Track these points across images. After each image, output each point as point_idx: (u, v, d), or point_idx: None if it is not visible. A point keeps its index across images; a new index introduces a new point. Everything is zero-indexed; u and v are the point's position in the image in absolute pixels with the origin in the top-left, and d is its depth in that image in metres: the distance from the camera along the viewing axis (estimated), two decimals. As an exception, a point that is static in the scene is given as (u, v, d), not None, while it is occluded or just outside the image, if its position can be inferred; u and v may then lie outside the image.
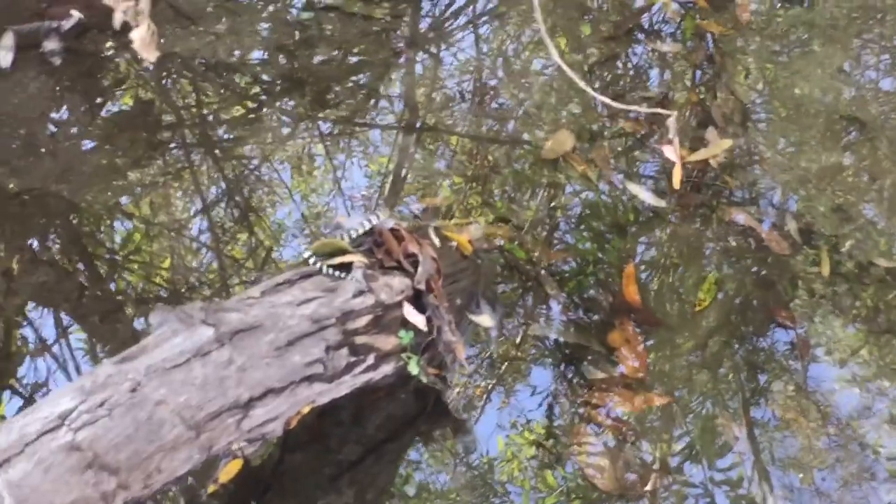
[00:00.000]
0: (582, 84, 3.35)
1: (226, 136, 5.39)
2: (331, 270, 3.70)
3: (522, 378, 4.38)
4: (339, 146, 5.43)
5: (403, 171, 5.27)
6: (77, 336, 4.57)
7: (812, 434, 4.22)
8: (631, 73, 5.66)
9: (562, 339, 4.40)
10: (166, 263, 4.91)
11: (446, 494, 4.15)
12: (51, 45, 5.22)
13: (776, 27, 5.71)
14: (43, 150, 4.92)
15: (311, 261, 3.72)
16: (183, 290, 4.77)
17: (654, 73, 5.66)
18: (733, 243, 4.72)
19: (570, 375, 4.33)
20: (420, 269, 3.80)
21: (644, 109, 3.65)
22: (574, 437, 4.12)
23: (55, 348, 4.51)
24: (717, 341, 4.45)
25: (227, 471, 3.63)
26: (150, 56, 2.47)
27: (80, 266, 4.78)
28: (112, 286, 4.71)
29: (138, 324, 4.57)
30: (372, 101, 5.55)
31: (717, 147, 4.75)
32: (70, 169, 4.82)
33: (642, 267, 4.68)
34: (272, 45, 5.60)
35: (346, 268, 3.72)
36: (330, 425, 4.00)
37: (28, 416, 3.12)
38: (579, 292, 4.51)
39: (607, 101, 3.57)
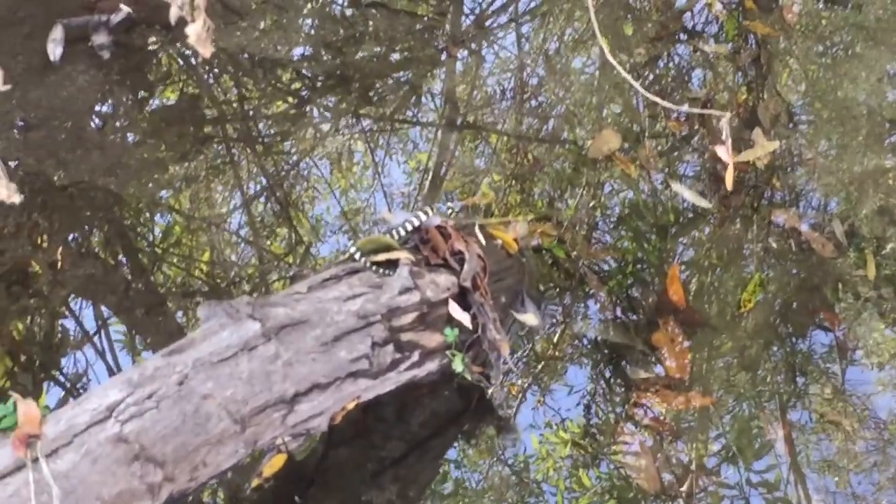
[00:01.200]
0: (635, 84, 3.33)
1: (267, 132, 5.38)
2: (377, 267, 3.68)
3: (558, 377, 4.35)
4: (378, 142, 5.41)
5: (443, 169, 5.25)
6: (116, 328, 4.60)
7: (849, 437, 4.18)
8: (674, 73, 5.62)
9: (601, 339, 4.35)
10: (206, 257, 4.93)
11: (482, 493, 4.14)
12: (100, 38, 5.24)
13: (822, 29, 5.66)
14: (91, 143, 4.92)
15: (357, 257, 3.71)
16: (222, 284, 4.78)
17: (698, 73, 5.61)
18: (776, 245, 4.67)
19: (609, 375, 4.30)
20: (466, 266, 3.80)
21: (698, 111, 3.62)
22: (614, 435, 4.08)
23: (95, 340, 4.53)
24: (758, 343, 4.40)
25: (271, 465, 3.63)
26: (205, 51, 2.47)
27: (124, 259, 4.79)
28: (152, 279, 4.71)
29: (181, 317, 4.58)
30: (413, 98, 5.52)
31: (762, 148, 4.69)
32: (117, 163, 4.84)
33: (683, 267, 4.63)
34: (318, 41, 5.59)
35: (393, 264, 3.71)
36: (373, 421, 4.00)
37: (76, 407, 3.13)
38: (621, 292, 4.48)
39: (659, 100, 3.53)
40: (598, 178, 4.98)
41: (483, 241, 4.02)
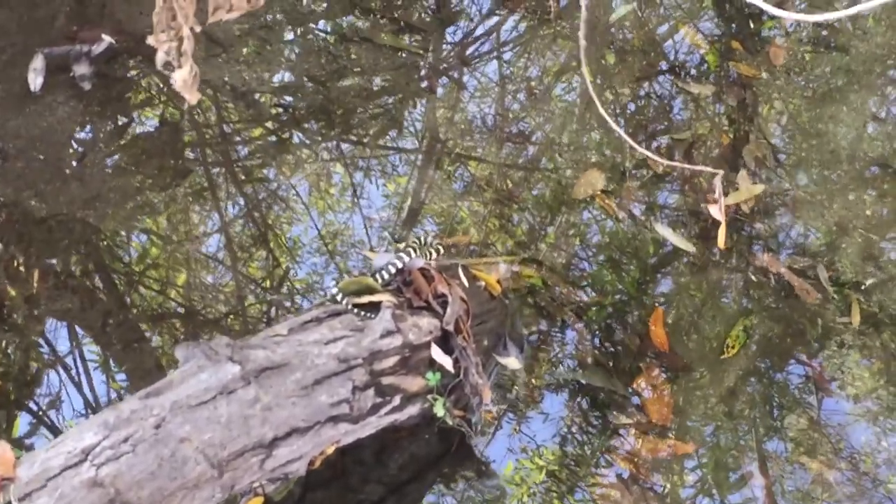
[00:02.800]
0: (619, 130, 3.31)
1: (246, 157, 5.36)
2: (358, 310, 3.65)
3: (535, 405, 4.31)
4: (358, 165, 5.40)
5: (422, 194, 5.23)
6: (90, 348, 4.55)
7: (824, 468, 4.17)
8: (657, 109, 5.61)
9: (584, 382, 4.32)
10: (181, 280, 4.87)
11: None
12: (81, 69, 5.21)
13: (808, 72, 5.65)
14: (70, 175, 4.89)
15: (339, 298, 3.67)
16: (199, 307, 4.74)
17: (680, 108, 5.60)
18: (759, 289, 4.65)
19: (589, 414, 4.27)
20: (449, 309, 3.78)
21: (691, 167, 3.60)
22: (590, 466, 4.05)
23: (69, 359, 4.51)
24: (741, 389, 4.39)
25: (248, 508, 3.58)
26: (192, 98, 2.43)
27: (101, 287, 4.74)
28: (130, 315, 4.67)
29: (156, 344, 4.54)
30: (394, 127, 5.50)
31: (748, 192, 4.71)
32: (97, 195, 4.80)
33: (665, 306, 4.60)
34: (301, 72, 5.57)
35: (375, 307, 3.68)
36: (351, 463, 3.96)
37: (51, 449, 3.10)
38: (604, 334, 4.45)
39: (650, 154, 3.53)
40: (577, 214, 4.95)
41: (466, 283, 3.99)
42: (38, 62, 5.09)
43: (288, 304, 4.83)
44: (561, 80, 5.87)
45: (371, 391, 3.57)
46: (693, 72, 5.74)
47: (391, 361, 3.64)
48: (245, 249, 5.07)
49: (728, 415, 4.34)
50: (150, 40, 2.32)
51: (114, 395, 4.47)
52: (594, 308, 4.60)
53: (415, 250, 3.94)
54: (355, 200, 5.27)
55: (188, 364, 3.38)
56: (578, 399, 4.38)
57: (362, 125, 5.50)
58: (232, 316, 4.77)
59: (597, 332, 4.52)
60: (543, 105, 5.68)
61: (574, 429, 4.30)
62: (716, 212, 3.59)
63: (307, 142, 5.41)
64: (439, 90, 5.74)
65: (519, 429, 4.30)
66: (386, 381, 3.63)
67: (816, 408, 4.42)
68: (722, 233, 3.69)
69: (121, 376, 4.56)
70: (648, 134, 5.41)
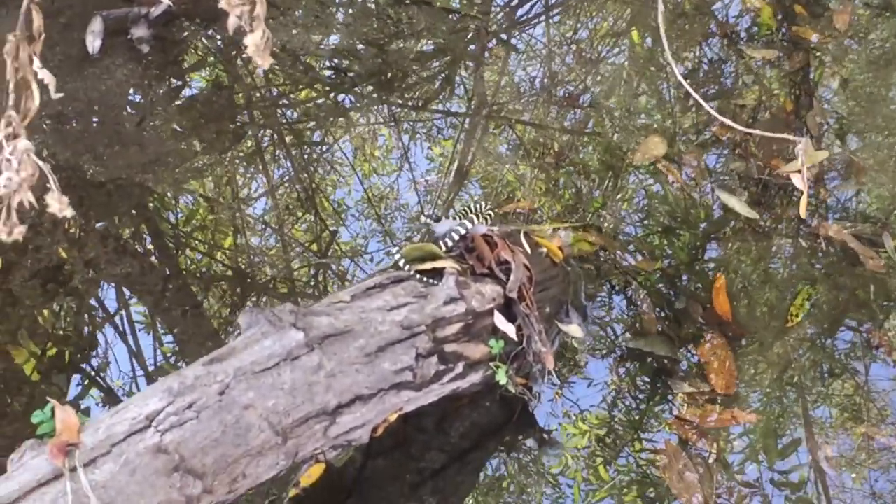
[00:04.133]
0: (698, 97, 3.24)
1: (296, 119, 5.32)
2: (421, 276, 3.62)
3: (578, 370, 4.27)
4: (408, 129, 5.38)
5: (469, 157, 5.21)
6: (136, 309, 4.57)
7: (868, 434, 4.11)
8: (716, 75, 5.54)
9: (646, 349, 4.28)
10: (228, 243, 4.86)
11: (498, 481, 4.08)
12: (139, 31, 5.20)
13: (874, 36, 5.56)
14: (128, 138, 4.87)
15: (402, 265, 3.64)
16: (247, 270, 4.73)
17: (742, 74, 5.53)
18: (823, 258, 4.58)
19: (640, 383, 4.23)
20: (512, 277, 3.74)
21: (772, 135, 3.52)
22: (665, 452, 4.01)
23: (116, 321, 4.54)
24: (806, 354, 4.33)
25: (309, 475, 3.58)
26: (264, 62, 2.39)
27: (156, 251, 4.74)
28: (188, 281, 4.67)
29: (210, 309, 4.54)
30: (444, 89, 5.48)
31: (810, 158, 4.61)
32: (156, 159, 4.78)
33: (728, 276, 4.54)
34: (355, 35, 5.53)
35: (438, 273, 3.65)
36: (413, 431, 3.94)
37: (115, 415, 3.07)
38: (669, 303, 4.40)
39: (726, 121, 3.45)
40: (637, 179, 4.90)
41: (528, 250, 3.95)
42: (96, 25, 5.09)
43: (335, 266, 4.79)
44: (614, 44, 5.79)
45: (434, 358, 3.54)
46: (752, 36, 5.64)
47: (454, 328, 3.60)
48: (292, 212, 5.02)
49: (779, 381, 4.27)
50: (222, 3, 2.28)
51: (161, 359, 4.47)
52: (656, 275, 4.53)
53: (468, 217, 3.90)
54: (404, 164, 5.24)
55: (251, 330, 3.35)
56: (627, 365, 4.31)
57: (413, 88, 5.46)
58: (280, 279, 4.73)
59: (659, 300, 4.45)
60: (598, 68, 5.61)
61: (622, 394, 4.24)
62: (798, 180, 3.52)
63: (358, 105, 5.36)
64: (489, 54, 5.68)
65: (562, 393, 4.24)
66: (449, 348, 3.60)
67: (864, 374, 4.33)
68: (804, 203, 3.63)
69: (168, 339, 4.56)
70: (708, 99, 5.34)
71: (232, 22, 2.33)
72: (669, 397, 4.22)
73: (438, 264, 3.68)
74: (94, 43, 5.03)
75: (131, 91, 5.18)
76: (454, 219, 3.89)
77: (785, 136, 3.39)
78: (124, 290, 4.55)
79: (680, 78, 3.23)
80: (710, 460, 4.01)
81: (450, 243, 3.76)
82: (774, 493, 4.02)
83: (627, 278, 4.49)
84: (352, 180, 5.18)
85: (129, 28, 5.22)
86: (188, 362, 3.44)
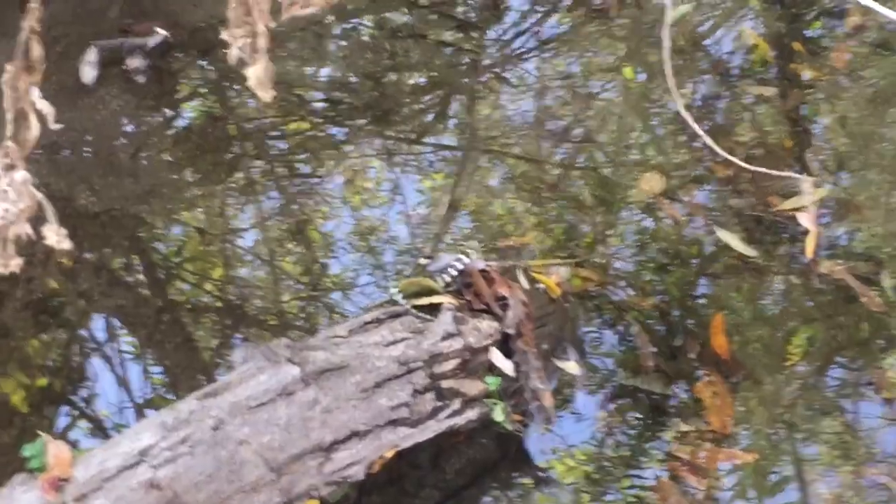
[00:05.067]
0: (707, 139, 3.23)
1: (289, 150, 5.31)
2: (418, 311, 3.60)
3: (565, 404, 4.24)
4: (395, 162, 5.36)
5: (458, 193, 5.20)
6: (124, 339, 4.54)
7: (856, 473, 4.09)
8: (712, 112, 5.53)
9: (643, 387, 4.25)
10: (217, 274, 4.83)
11: None
12: (135, 62, 5.18)
13: (873, 74, 5.56)
14: (123, 169, 4.86)
15: (399, 299, 3.62)
16: (235, 302, 4.72)
17: (740, 111, 5.52)
18: (822, 297, 4.57)
19: (649, 424, 4.21)
20: (510, 313, 3.72)
21: (781, 174, 3.52)
22: (660, 492, 3.98)
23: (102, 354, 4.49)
24: (803, 393, 4.31)
25: (303, 512, 3.52)
26: (265, 95, 2.38)
27: (148, 283, 4.72)
28: (181, 314, 4.64)
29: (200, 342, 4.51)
30: (438, 123, 5.47)
31: (810, 196, 4.60)
32: (151, 190, 4.76)
33: (724, 313, 4.52)
34: (350, 68, 5.52)
35: (435, 309, 3.63)
36: (407, 467, 3.88)
37: (108, 450, 3.07)
38: (666, 340, 4.38)
39: (731, 158, 3.45)
40: (633, 216, 4.89)
41: (526, 286, 3.93)
42: (91, 55, 5.08)
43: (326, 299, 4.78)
44: (608, 79, 5.79)
45: (431, 395, 3.52)
46: (746, 73, 5.65)
47: (451, 364, 3.57)
48: (282, 244, 5.00)
49: (770, 420, 4.24)
50: (224, 35, 2.27)
51: (150, 392, 4.41)
52: (652, 312, 4.51)
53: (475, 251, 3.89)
54: (395, 196, 5.22)
55: (247, 365, 3.34)
56: (619, 401, 4.28)
57: (408, 121, 5.45)
58: (270, 312, 4.71)
59: (655, 338, 4.43)
60: (590, 104, 5.60)
61: (612, 431, 4.21)
62: (805, 220, 3.51)
63: (351, 137, 5.35)
64: (482, 88, 5.68)
65: (550, 428, 4.20)
66: (446, 384, 3.57)
67: (853, 412, 4.31)
68: (811, 241, 3.62)
69: (158, 371, 4.52)
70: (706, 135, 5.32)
71: (233, 54, 2.32)
72: (660, 435, 4.17)
73: (435, 300, 3.67)
74: (89, 73, 5.02)
75: (126, 122, 5.15)
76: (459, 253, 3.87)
77: (790, 174, 3.39)
78: (115, 321, 4.50)
79: (683, 111, 3.22)
80: (701, 497, 3.95)
81: (447, 278, 3.74)
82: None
83: (624, 314, 4.46)
84: (342, 213, 5.13)
85: (125, 58, 5.20)
86: (179, 395, 3.41)
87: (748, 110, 5.46)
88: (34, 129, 2.39)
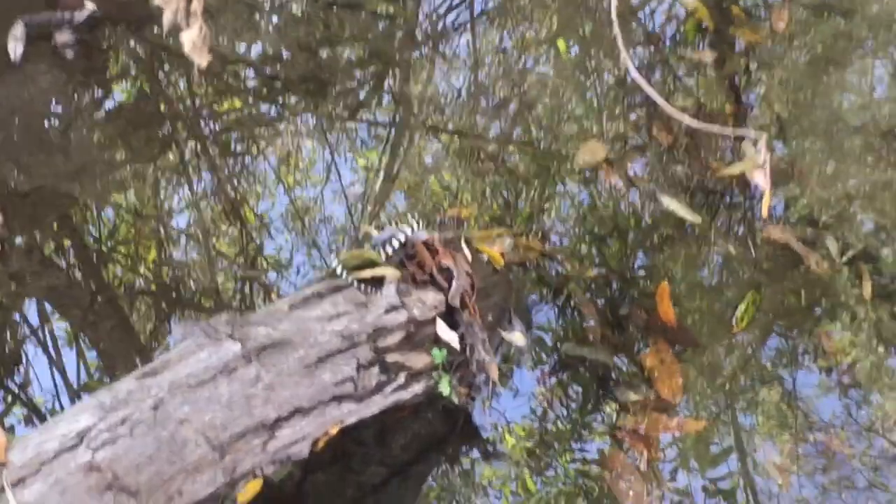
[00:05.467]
0: (660, 101, 3.17)
1: (222, 129, 5.24)
2: (361, 284, 3.52)
3: (504, 380, 4.19)
4: (327, 140, 5.31)
5: (395, 168, 5.18)
6: (58, 325, 4.44)
7: (794, 440, 4.13)
8: (652, 81, 5.49)
9: (590, 358, 4.20)
10: (151, 256, 4.76)
11: (427, 494, 4.00)
12: (63, 37, 5.07)
13: (812, 37, 5.54)
14: (53, 147, 4.75)
15: (340, 272, 3.54)
16: (171, 285, 4.68)
17: (681, 77, 5.49)
18: (768, 261, 4.54)
19: (591, 396, 4.16)
20: (454, 284, 3.67)
21: (732, 130, 3.47)
22: (610, 462, 3.94)
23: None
24: (749, 360, 4.29)
25: (246, 491, 3.43)
26: (202, 60, 2.30)
27: (80, 264, 4.62)
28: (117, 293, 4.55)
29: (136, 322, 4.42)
30: (373, 98, 5.45)
31: (753, 160, 4.57)
32: (82, 168, 4.65)
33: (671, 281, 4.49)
34: (284, 42, 5.43)
35: (378, 281, 3.56)
36: (352, 444, 3.83)
37: (45, 432, 2.98)
38: (612, 309, 4.33)
39: (686, 118, 3.39)
40: (574, 185, 4.84)
41: (469, 257, 3.87)
42: (17, 30, 4.95)
43: (262, 279, 4.71)
44: (542, 52, 5.74)
45: (376, 369, 3.47)
46: (684, 40, 5.62)
47: (396, 338, 3.53)
48: (217, 225, 4.92)
49: (712, 388, 4.22)
50: (158, 0, 2.18)
51: (85, 377, 4.34)
52: (598, 282, 4.47)
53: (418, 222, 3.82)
54: (330, 175, 5.16)
55: (186, 342, 3.26)
56: (560, 374, 4.24)
57: (343, 96, 5.38)
58: (205, 293, 4.63)
59: (601, 307, 4.39)
60: (526, 77, 5.55)
61: (553, 404, 4.17)
62: (760, 178, 3.46)
63: (285, 114, 5.27)
64: (416, 62, 5.62)
65: (490, 403, 4.15)
66: (390, 358, 3.52)
67: (791, 380, 4.32)
68: (766, 201, 3.58)
69: (92, 355, 4.42)
70: (642, 103, 5.29)
71: (167, 19, 2.24)
72: (605, 406, 4.14)
73: (378, 272, 3.60)
74: (16, 49, 4.89)
75: (55, 98, 5.03)
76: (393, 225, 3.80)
77: (746, 130, 3.34)
78: (48, 304, 4.40)
79: (634, 72, 3.16)
80: (645, 468, 3.92)
81: (389, 250, 3.67)
82: (706, 502, 3.98)
83: (567, 285, 4.41)
84: (276, 192, 5.06)
85: (53, 33, 5.08)
86: (114, 378, 3.31)
87: (688, 77, 5.42)
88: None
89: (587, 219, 4.79)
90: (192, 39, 2.22)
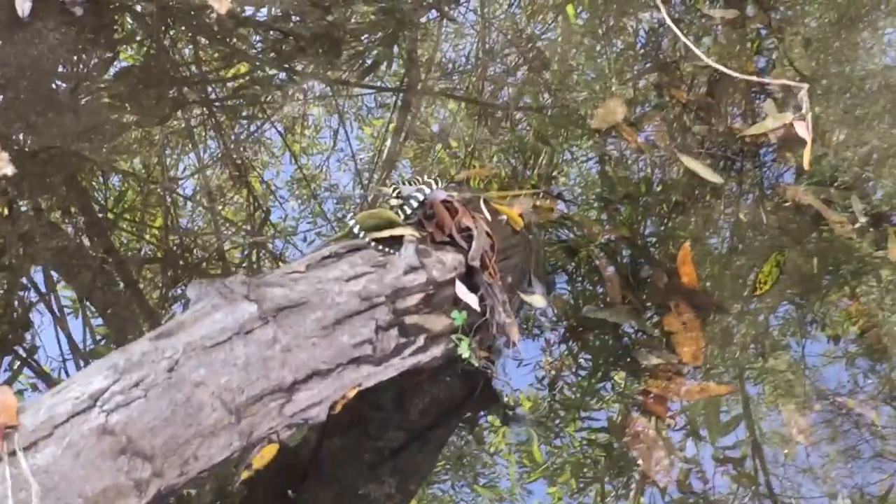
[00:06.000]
0: (699, 53, 3.08)
1: (228, 95, 5.23)
2: (378, 244, 3.45)
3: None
4: (334, 107, 5.30)
5: (402, 135, 5.13)
6: (64, 293, 4.39)
7: (800, 410, 4.07)
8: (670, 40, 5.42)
9: (611, 321, 4.15)
10: (158, 222, 4.75)
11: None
12: (72, -8, 4.99)
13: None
14: (63, 106, 4.68)
15: (357, 231, 3.47)
16: (176, 251, 4.66)
17: (701, 37, 5.41)
18: (791, 224, 4.47)
19: (626, 359, 4.10)
20: (474, 244, 3.60)
21: (776, 81, 3.39)
22: (628, 426, 3.88)
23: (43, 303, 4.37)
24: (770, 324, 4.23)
25: (262, 456, 3.40)
26: (221, 7, 2.21)
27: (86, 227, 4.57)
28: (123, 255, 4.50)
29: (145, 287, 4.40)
30: (376, 63, 5.42)
31: (775, 120, 4.50)
32: (92, 127, 4.59)
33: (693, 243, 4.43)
34: (291, 4, 5.35)
35: (396, 241, 3.51)
36: (369, 409, 3.79)
37: (57, 395, 2.91)
38: (632, 272, 4.26)
39: (733, 73, 3.31)
40: (595, 145, 4.77)
41: (489, 217, 3.80)
42: (25, -15, 4.87)
43: (268, 246, 4.71)
44: (545, 14, 5.67)
45: (394, 331, 3.39)
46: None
47: (415, 299, 3.46)
48: (224, 191, 4.88)
49: (720, 356, 4.16)
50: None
51: (91, 343, 4.32)
52: (617, 245, 4.40)
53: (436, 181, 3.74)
54: (336, 142, 5.17)
55: (201, 303, 3.18)
56: (584, 335, 4.20)
57: (353, 59, 5.30)
58: (213, 259, 4.59)
59: (622, 270, 4.32)
60: (528, 40, 5.48)
61: (564, 371, 4.13)
62: (802, 129, 3.38)
63: (294, 79, 5.19)
64: (423, 27, 5.55)
65: (494, 372, 4.08)
66: (409, 320, 3.45)
67: (800, 349, 4.29)
68: (807, 152, 3.50)
69: (99, 321, 4.38)
70: (664, 62, 5.22)
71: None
72: (627, 369, 4.12)
73: (396, 232, 3.54)
74: (23, 5, 4.82)
75: (64, 56, 4.95)
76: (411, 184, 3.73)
77: (789, 82, 3.25)
78: (55, 267, 4.35)
79: (679, 34, 3.08)
80: (651, 434, 3.88)
81: (408, 210, 3.59)
82: (716, 469, 3.96)
83: (588, 246, 4.34)
84: (283, 159, 5.01)
85: (61, -11, 5.01)
86: (122, 344, 3.24)
87: (710, 33, 5.34)
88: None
89: (605, 181, 4.70)
90: (211, -14, 2.13)
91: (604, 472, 3.91)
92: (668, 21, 3.17)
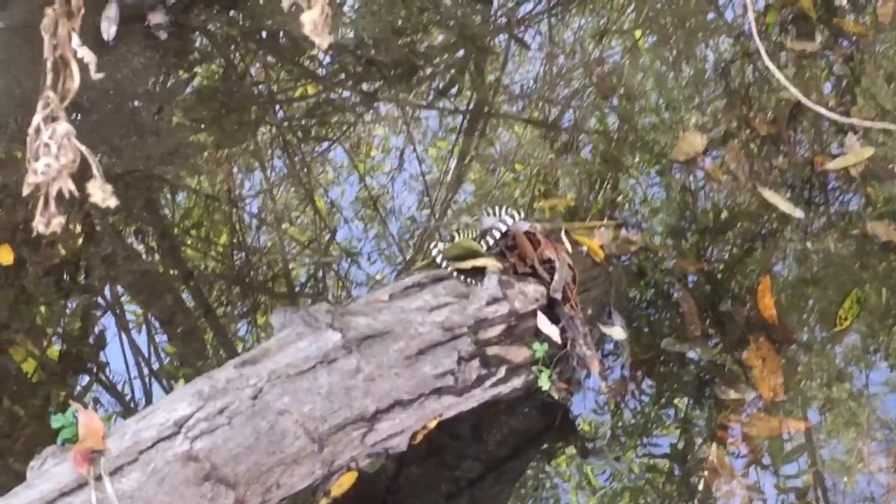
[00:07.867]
0: (793, 89, 3.07)
1: (299, 116, 5.25)
2: (461, 275, 3.45)
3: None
4: (399, 129, 5.34)
5: (467, 158, 5.15)
6: (129, 307, 4.45)
7: (860, 438, 4.02)
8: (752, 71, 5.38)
9: (692, 356, 4.12)
10: (223, 239, 4.78)
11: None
12: (156, 18, 5.06)
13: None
14: (146, 129, 4.73)
15: (440, 261, 3.47)
16: (241, 268, 4.70)
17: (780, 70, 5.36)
18: (873, 260, 4.43)
19: (706, 395, 4.08)
20: (557, 276, 3.59)
21: (873, 124, 3.36)
22: (707, 461, 3.85)
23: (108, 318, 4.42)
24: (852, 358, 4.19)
25: (340, 484, 3.39)
26: (322, 42, 2.22)
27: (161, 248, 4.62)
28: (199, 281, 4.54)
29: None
30: (449, 85, 5.42)
31: (857, 155, 4.46)
32: (174, 150, 4.63)
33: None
34: (385, 27, 5.39)
35: (478, 272, 3.50)
36: (447, 438, 3.78)
37: (142, 420, 2.93)
38: (713, 306, 4.24)
39: (832, 115, 3.28)
40: (672, 177, 4.75)
41: (570, 249, 3.79)
42: (111, 10, 4.94)
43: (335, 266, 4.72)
44: (614, 39, 5.67)
45: (476, 362, 3.39)
46: (786, 29, 5.50)
47: (497, 330, 3.45)
48: (291, 211, 4.93)
49: (796, 386, 4.14)
50: (277, -23, 2.11)
51: (165, 360, 4.39)
52: (697, 277, 4.37)
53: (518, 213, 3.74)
54: (403, 163, 5.20)
55: (285, 331, 3.21)
56: (661, 368, 4.18)
57: (430, 80, 5.32)
58: (277, 279, 4.64)
59: (701, 303, 4.29)
60: (595, 64, 5.47)
61: (626, 401, 4.12)
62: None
63: (356, 100, 5.22)
64: (496, 50, 5.56)
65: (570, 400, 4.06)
66: (491, 351, 3.44)
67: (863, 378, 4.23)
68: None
69: (161, 338, 4.44)
70: (740, 92, 5.20)
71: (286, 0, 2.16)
72: (704, 403, 4.10)
73: (479, 263, 3.53)
74: (109, 30, 4.87)
75: (148, 80, 5.01)
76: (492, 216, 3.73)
77: (880, 124, 3.22)
78: (132, 288, 4.40)
79: (771, 66, 3.06)
80: (714, 462, 3.86)
81: (490, 241, 3.60)
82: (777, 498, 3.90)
83: (667, 279, 4.32)
84: (348, 179, 5.04)
85: (146, 14, 5.07)
86: (197, 364, 3.26)
87: (791, 67, 5.30)
88: (75, 78, 2.24)
89: (687, 210, 4.68)
90: (312, 20, 2.14)
91: (664, 499, 3.88)
92: (765, 56, 3.13)
